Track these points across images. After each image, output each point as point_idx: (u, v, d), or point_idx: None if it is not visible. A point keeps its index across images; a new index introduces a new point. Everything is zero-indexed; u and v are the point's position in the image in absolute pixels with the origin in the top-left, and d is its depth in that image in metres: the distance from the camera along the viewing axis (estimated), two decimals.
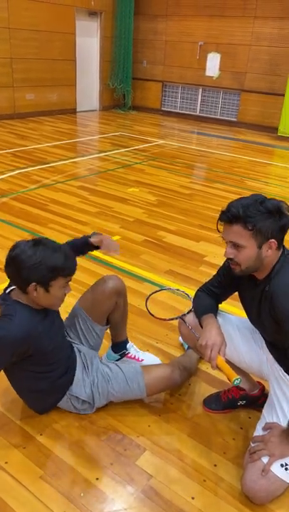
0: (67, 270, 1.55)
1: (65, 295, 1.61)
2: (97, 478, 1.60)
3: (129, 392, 1.84)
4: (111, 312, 2.01)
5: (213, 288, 1.81)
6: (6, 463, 1.64)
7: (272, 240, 1.44)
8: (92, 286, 2.02)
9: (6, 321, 1.52)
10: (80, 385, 1.80)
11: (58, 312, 1.77)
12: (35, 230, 3.68)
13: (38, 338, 1.59)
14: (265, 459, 1.50)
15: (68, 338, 1.96)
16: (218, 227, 1.50)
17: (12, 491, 1.54)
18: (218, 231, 1.51)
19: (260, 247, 1.44)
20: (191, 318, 1.88)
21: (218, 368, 1.59)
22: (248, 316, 1.71)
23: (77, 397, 1.80)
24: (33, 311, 1.59)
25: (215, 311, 1.80)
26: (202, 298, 1.83)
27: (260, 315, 1.59)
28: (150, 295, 2.12)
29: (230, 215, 1.43)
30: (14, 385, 1.79)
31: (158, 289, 2.15)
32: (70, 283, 1.61)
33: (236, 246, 1.46)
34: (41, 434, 1.77)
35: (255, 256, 1.46)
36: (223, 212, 1.46)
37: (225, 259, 1.62)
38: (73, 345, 1.93)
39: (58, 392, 1.80)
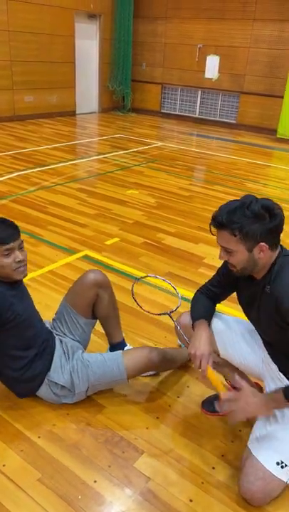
0: None
1: (16, 262, 1.67)
2: (95, 481, 1.60)
3: (108, 373, 1.86)
4: (95, 306, 2.04)
5: (213, 287, 1.82)
6: (3, 465, 1.64)
7: (262, 244, 1.44)
8: (76, 279, 2.09)
9: None
10: (58, 371, 1.84)
11: (23, 285, 1.85)
12: (34, 232, 3.68)
13: (9, 303, 1.68)
14: (262, 459, 1.49)
15: (54, 331, 2.01)
16: (212, 230, 1.51)
17: (10, 494, 1.54)
18: (213, 234, 1.52)
19: (250, 250, 1.45)
20: (184, 318, 1.89)
21: (207, 378, 1.60)
22: (246, 315, 1.71)
23: (55, 382, 1.83)
24: (1, 283, 1.70)
25: (210, 314, 1.81)
26: (199, 301, 1.83)
27: (259, 315, 1.59)
28: (137, 280, 2.12)
29: (218, 223, 1.45)
30: None
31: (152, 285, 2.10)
32: (18, 251, 1.68)
33: (227, 250, 1.48)
34: (39, 437, 1.76)
35: (246, 259, 1.47)
36: (212, 218, 1.48)
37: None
38: (57, 336, 1.99)
39: (36, 376, 1.82)
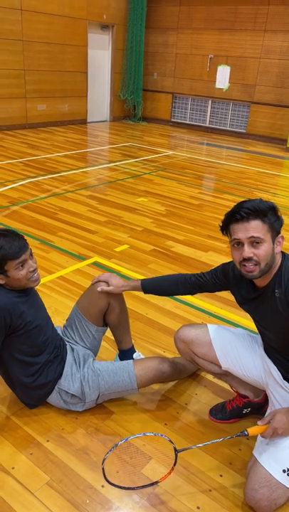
0: (9, 255, 1.63)
1: (30, 272, 1.69)
2: (102, 486, 1.61)
3: (120, 383, 1.87)
4: (106, 314, 2.05)
5: (200, 277, 1.85)
6: (12, 468, 1.66)
7: (281, 235, 1.49)
8: (88, 287, 2.10)
9: None
10: (69, 379, 1.85)
11: (34, 291, 1.86)
12: (45, 238, 3.73)
13: (19, 311, 1.68)
14: (267, 466, 1.49)
15: (65, 338, 2.03)
16: (231, 231, 1.50)
17: (18, 497, 1.55)
18: (225, 235, 1.53)
19: (273, 242, 1.48)
20: (185, 333, 1.89)
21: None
22: (255, 323, 1.71)
23: (66, 391, 1.84)
24: (10, 290, 1.70)
25: (160, 286, 1.95)
26: (170, 275, 1.97)
27: (268, 321, 1.59)
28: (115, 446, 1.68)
29: (248, 211, 1.45)
30: (5, 376, 1.83)
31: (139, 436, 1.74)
32: (30, 261, 1.69)
33: (255, 243, 1.45)
34: (48, 441, 1.78)
35: (271, 251, 1.47)
36: (234, 214, 1.47)
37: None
38: (68, 343, 1.99)
39: (47, 384, 1.83)
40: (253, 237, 1.45)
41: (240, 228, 1.47)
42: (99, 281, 1.99)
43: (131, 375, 1.87)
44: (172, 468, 1.55)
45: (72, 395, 1.85)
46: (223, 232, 1.55)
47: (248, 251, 1.46)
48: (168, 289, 1.95)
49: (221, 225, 1.55)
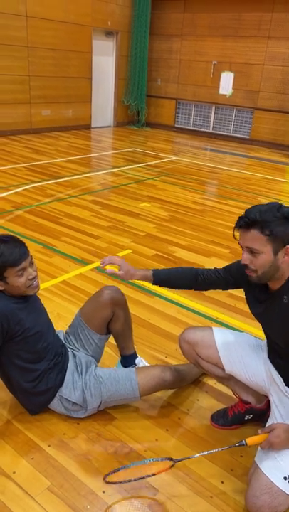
0: (9, 262, 1.62)
1: (29, 280, 1.67)
2: (103, 491, 1.60)
3: (122, 391, 1.86)
4: (111, 322, 2.04)
5: (212, 272, 1.82)
6: (14, 472, 1.65)
7: None
8: (92, 295, 2.08)
9: None
10: (70, 387, 1.84)
11: (34, 297, 1.84)
12: (48, 243, 3.74)
13: (17, 318, 1.67)
14: (268, 473, 1.49)
15: (68, 345, 2.01)
16: (235, 234, 1.51)
17: (19, 501, 1.55)
18: (235, 238, 1.53)
19: (276, 253, 1.45)
20: (191, 335, 1.88)
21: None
22: (262, 327, 1.71)
23: (67, 399, 1.84)
24: (9, 297, 1.69)
25: (169, 277, 1.89)
26: (179, 268, 1.91)
27: (276, 326, 1.58)
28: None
29: (248, 220, 1.44)
30: (6, 381, 1.83)
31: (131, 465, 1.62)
32: (30, 269, 1.67)
33: (252, 252, 1.46)
34: (49, 445, 1.78)
35: (270, 262, 1.46)
36: (240, 218, 1.47)
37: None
38: (70, 349, 1.98)
39: (47, 391, 1.82)
40: (247, 247, 1.47)
41: (242, 235, 1.49)
42: (106, 264, 1.86)
43: (133, 383, 1.86)
44: (172, 465, 1.55)
45: (74, 402, 1.84)
46: (234, 235, 1.56)
47: (244, 258, 1.49)
48: (178, 281, 1.89)
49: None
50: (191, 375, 2.14)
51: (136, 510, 1.55)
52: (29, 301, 1.77)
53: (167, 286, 1.94)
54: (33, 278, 1.69)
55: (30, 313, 1.74)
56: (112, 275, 1.88)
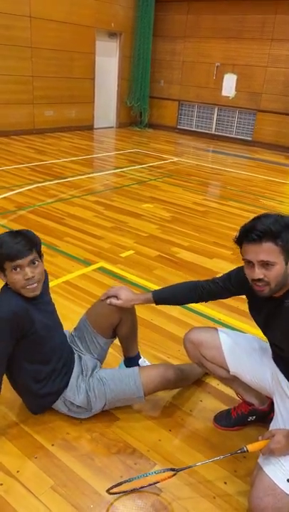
0: (4, 255, 1.60)
1: (25, 280, 1.62)
2: (107, 491, 1.61)
3: (126, 391, 1.86)
4: (117, 327, 2.03)
5: (211, 283, 1.82)
6: (17, 472, 1.66)
7: None
8: (99, 300, 2.04)
9: None
10: (74, 391, 1.84)
11: (48, 300, 1.84)
12: (51, 243, 3.75)
13: (30, 317, 1.65)
14: (272, 475, 1.49)
15: (73, 346, 2.01)
16: (243, 250, 1.46)
17: (23, 500, 1.56)
18: (242, 253, 1.48)
19: (286, 262, 1.44)
20: (195, 335, 1.88)
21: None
22: (264, 332, 1.71)
23: (71, 402, 1.84)
24: (19, 296, 1.66)
25: (170, 296, 1.91)
26: (179, 284, 1.92)
27: (279, 331, 1.58)
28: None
29: (260, 233, 1.40)
30: (11, 381, 1.82)
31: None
32: (28, 268, 1.62)
33: (266, 265, 1.43)
34: (53, 445, 1.79)
35: (283, 272, 1.44)
36: (247, 233, 1.43)
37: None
38: (76, 352, 1.98)
39: (53, 393, 1.82)
40: (262, 260, 1.43)
41: (252, 250, 1.44)
42: (108, 296, 1.93)
43: (137, 382, 1.86)
44: (174, 474, 1.55)
45: (78, 405, 1.84)
46: (237, 246, 1.52)
47: (258, 272, 1.44)
48: (181, 299, 1.91)
49: (234, 239, 1.52)
50: (193, 375, 2.15)
51: (139, 510, 1.56)
52: (41, 302, 1.74)
53: (171, 304, 1.99)
54: (29, 279, 1.62)
55: (40, 313, 1.72)
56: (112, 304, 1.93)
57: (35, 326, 1.69)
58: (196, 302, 1.90)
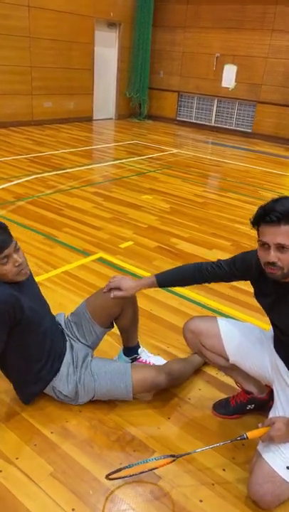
0: None
1: (16, 267, 1.61)
2: (106, 477, 1.61)
3: (115, 391, 1.86)
4: (118, 318, 2.03)
5: (215, 266, 1.80)
6: (16, 458, 1.67)
7: None
8: (101, 289, 2.02)
9: None
10: (64, 381, 1.83)
11: (32, 281, 1.82)
12: (50, 234, 3.74)
13: (19, 304, 1.63)
14: (271, 462, 1.50)
15: (67, 332, 1.99)
16: (260, 231, 1.43)
17: (23, 487, 1.56)
18: (257, 233, 1.46)
19: None
20: (195, 324, 1.88)
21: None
22: (270, 319, 1.70)
23: (60, 391, 1.84)
24: (4, 283, 1.64)
25: (174, 279, 1.89)
26: (181, 267, 1.90)
27: (285, 317, 1.58)
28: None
29: (280, 215, 1.36)
30: (5, 370, 1.82)
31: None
32: (15, 255, 1.61)
33: (282, 248, 1.39)
34: (52, 432, 1.79)
35: None
36: (266, 214, 1.40)
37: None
38: (68, 338, 1.96)
39: (41, 380, 1.82)
40: (280, 243, 1.39)
41: (270, 232, 1.40)
42: (110, 288, 1.92)
43: (128, 386, 1.85)
44: (173, 460, 1.56)
45: (66, 395, 1.85)
46: (252, 226, 1.49)
47: (273, 255, 1.41)
48: (185, 281, 1.90)
49: (251, 219, 1.48)
50: (188, 371, 2.13)
51: (138, 496, 1.57)
52: (25, 286, 1.72)
53: (173, 286, 1.98)
54: (20, 265, 1.61)
55: (28, 299, 1.71)
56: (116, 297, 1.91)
57: (26, 312, 1.66)
58: (199, 284, 1.89)
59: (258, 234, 1.46)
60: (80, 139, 8.08)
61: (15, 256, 1.61)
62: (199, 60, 10.01)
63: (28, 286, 1.76)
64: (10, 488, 1.56)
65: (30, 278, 1.81)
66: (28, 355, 1.76)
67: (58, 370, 1.84)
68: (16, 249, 1.63)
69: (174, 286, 1.96)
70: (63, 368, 1.85)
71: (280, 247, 1.40)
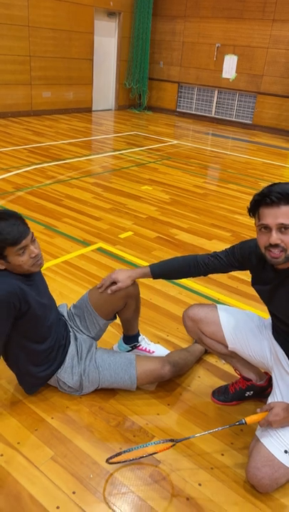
0: (9, 241, 1.55)
1: (32, 258, 1.62)
2: (106, 461, 1.63)
3: (120, 382, 1.88)
4: (122, 311, 2.03)
5: (212, 257, 1.80)
6: (18, 443, 1.69)
7: None
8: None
9: None
10: (69, 372, 1.85)
11: (40, 277, 1.82)
12: (50, 224, 3.74)
13: (25, 296, 1.63)
14: (269, 446, 1.52)
15: (70, 323, 2.00)
16: (260, 214, 1.44)
17: (24, 471, 1.59)
18: (257, 219, 1.46)
19: None
20: (195, 312, 1.89)
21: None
22: (268, 306, 1.71)
23: (64, 382, 1.86)
24: (14, 275, 1.64)
25: (170, 270, 1.89)
26: (177, 258, 1.88)
27: (283, 304, 1.58)
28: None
29: (279, 195, 1.38)
30: (9, 362, 1.83)
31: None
32: (32, 246, 1.61)
33: (283, 229, 1.39)
34: (53, 418, 1.81)
35: None
36: (265, 197, 1.40)
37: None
38: (72, 330, 1.97)
39: (49, 371, 1.83)
40: (282, 224, 1.39)
41: (270, 213, 1.40)
42: (106, 287, 1.91)
43: (132, 377, 1.87)
44: (172, 445, 1.58)
45: (70, 386, 1.87)
46: (250, 214, 1.49)
47: (275, 237, 1.41)
48: (179, 272, 1.90)
49: (249, 206, 1.48)
50: (191, 361, 2.14)
51: (138, 479, 1.59)
52: (34, 280, 1.73)
53: (168, 278, 1.94)
54: (36, 256, 1.63)
55: (35, 292, 1.71)
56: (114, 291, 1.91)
57: (32, 305, 1.67)
58: (194, 276, 1.90)
59: (258, 218, 1.46)
60: (79, 129, 8.04)
61: (31, 247, 1.61)
62: (200, 51, 9.94)
63: (37, 280, 1.77)
64: (11, 471, 1.58)
65: (40, 273, 1.82)
66: (32, 348, 1.76)
67: (62, 361, 1.85)
68: (33, 240, 1.63)
69: (169, 278, 1.94)
70: (68, 360, 1.86)
71: (282, 228, 1.40)
